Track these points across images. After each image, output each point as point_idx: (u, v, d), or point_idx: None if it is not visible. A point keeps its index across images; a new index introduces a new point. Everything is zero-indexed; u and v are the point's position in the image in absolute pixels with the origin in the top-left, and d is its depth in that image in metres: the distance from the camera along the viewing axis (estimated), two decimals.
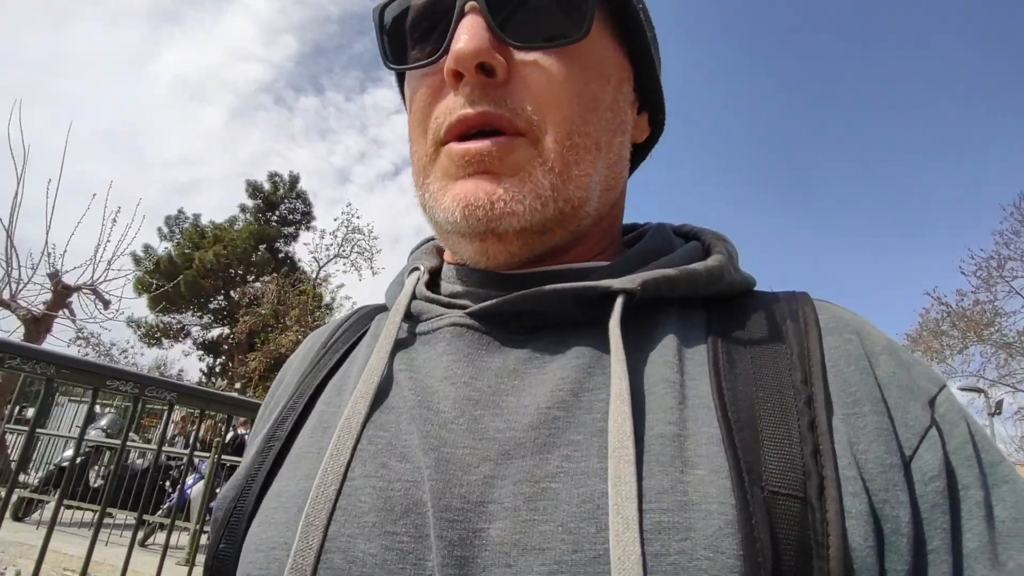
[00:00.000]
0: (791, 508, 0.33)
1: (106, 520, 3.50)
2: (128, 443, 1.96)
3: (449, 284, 0.51)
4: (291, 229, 21.95)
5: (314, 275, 20.47)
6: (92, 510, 6.15)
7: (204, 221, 20.96)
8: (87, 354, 17.28)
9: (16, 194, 8.00)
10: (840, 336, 0.41)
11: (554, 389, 0.39)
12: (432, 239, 0.59)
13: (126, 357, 20.71)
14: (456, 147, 0.43)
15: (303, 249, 23.46)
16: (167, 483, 6.97)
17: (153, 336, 20.52)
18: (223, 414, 2.44)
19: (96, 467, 6.92)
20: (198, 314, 20.76)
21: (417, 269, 0.53)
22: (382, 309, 0.56)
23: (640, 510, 0.33)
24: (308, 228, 22.01)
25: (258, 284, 19.06)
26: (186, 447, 7.75)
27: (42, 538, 1.76)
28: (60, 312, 8.26)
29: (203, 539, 3.23)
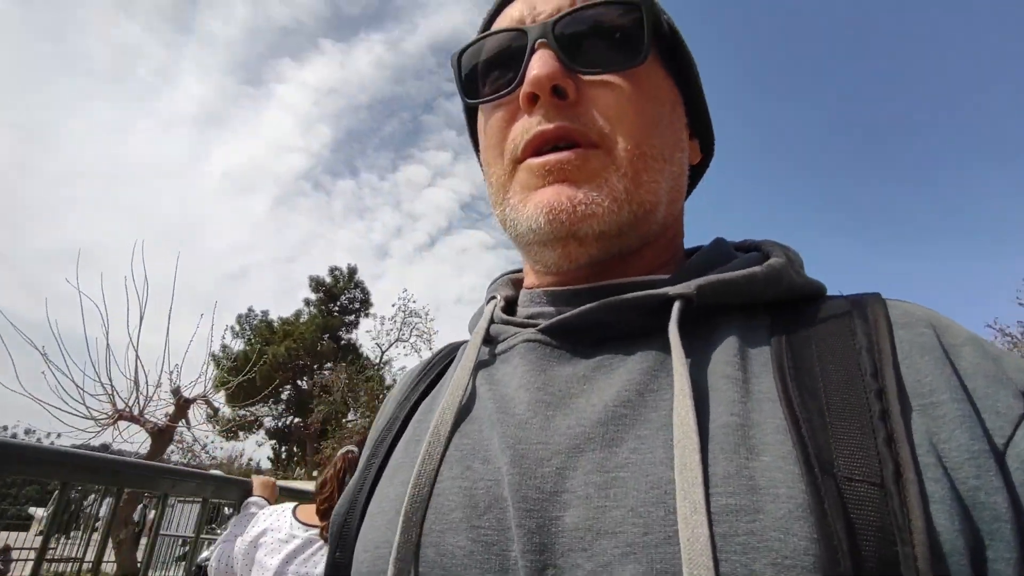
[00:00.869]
0: (867, 494, 0.32)
1: None
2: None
3: (524, 308, 0.54)
4: (351, 317, 23.34)
5: (377, 360, 21.53)
6: None
7: (266, 314, 22.53)
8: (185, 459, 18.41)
9: (140, 323, 9.25)
10: (912, 330, 0.40)
11: (620, 390, 0.41)
12: (507, 274, 0.63)
13: (206, 451, 21.91)
14: (535, 160, 0.47)
15: (364, 336, 24.76)
16: None
17: (231, 430, 21.69)
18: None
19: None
20: (270, 405, 21.94)
21: (495, 298, 0.57)
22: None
23: (707, 495, 0.33)
24: (367, 315, 23.35)
25: (327, 373, 20.14)
26: None
27: None
28: (179, 423, 9.31)
29: None
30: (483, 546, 0.38)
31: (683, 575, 0.31)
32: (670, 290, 0.43)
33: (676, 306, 0.43)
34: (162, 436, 9.03)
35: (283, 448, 22.49)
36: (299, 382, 21.55)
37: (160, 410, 9.34)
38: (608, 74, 0.47)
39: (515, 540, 0.36)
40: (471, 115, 0.60)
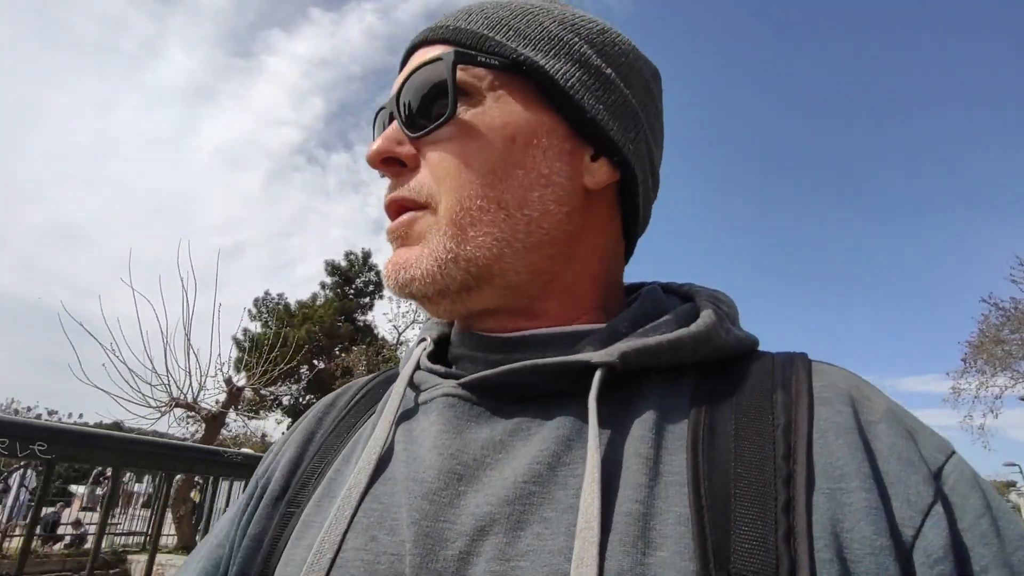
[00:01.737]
0: None
1: None
2: None
3: (454, 349, 0.54)
4: (366, 300, 24.05)
5: (394, 341, 22.29)
6: None
7: (282, 296, 23.22)
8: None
9: (190, 315, 9.93)
10: (832, 407, 0.40)
11: (532, 463, 0.40)
12: None
13: (228, 431, 22.82)
14: (388, 225, 0.50)
15: (380, 318, 25.40)
16: None
17: (253, 410, 22.55)
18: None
19: None
20: (288, 385, 22.76)
21: (424, 340, 0.56)
22: None
23: None
24: (381, 297, 24.06)
25: (348, 355, 20.91)
26: None
27: None
28: (231, 409, 10.07)
29: None
30: None
31: None
32: (593, 357, 0.43)
33: (597, 376, 0.42)
34: (215, 422, 9.79)
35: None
36: (316, 362, 22.32)
37: (211, 397, 10.11)
38: (431, 132, 0.47)
39: None
40: None
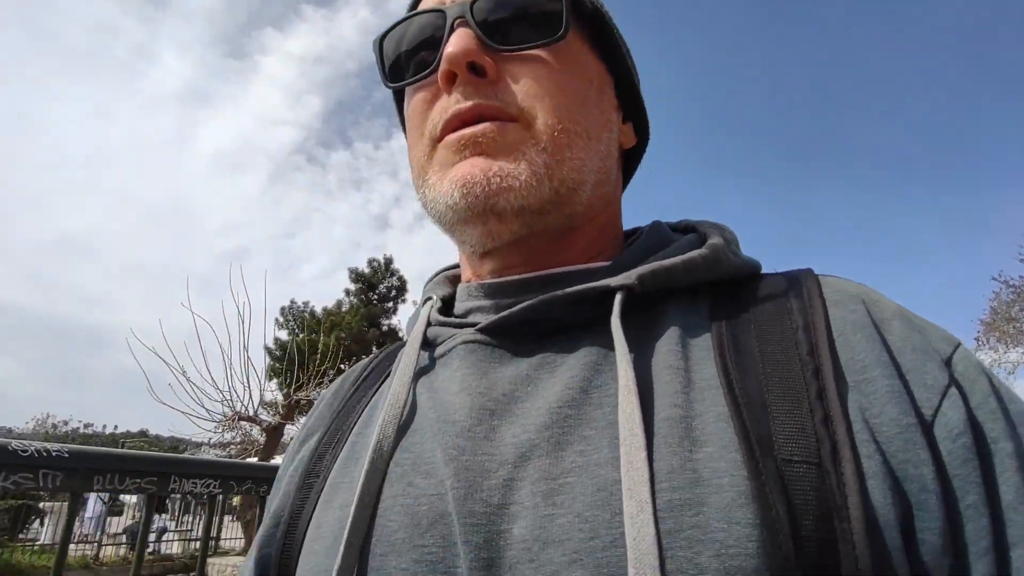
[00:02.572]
0: (806, 473, 0.33)
1: None
2: None
3: (461, 303, 0.53)
4: (390, 304, 24.73)
5: None
6: None
7: (307, 304, 23.92)
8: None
9: (247, 335, 10.60)
10: (845, 307, 0.42)
11: (564, 388, 0.40)
12: (444, 271, 0.63)
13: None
14: (451, 136, 0.46)
15: (404, 322, 26.03)
16: None
17: (287, 416, 23.33)
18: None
19: None
20: (317, 391, 23.48)
21: (431, 299, 0.56)
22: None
23: (652, 492, 0.33)
24: (404, 301, 24.73)
25: None
26: None
27: None
28: (289, 421, 10.77)
29: None
30: (427, 565, 0.37)
31: None
32: (611, 281, 0.43)
33: (618, 298, 0.42)
34: (275, 433, 10.48)
35: None
36: (343, 366, 23.01)
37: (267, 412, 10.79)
38: (528, 50, 0.47)
39: (461, 556, 0.36)
40: (400, 102, 0.59)
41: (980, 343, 17.42)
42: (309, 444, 0.53)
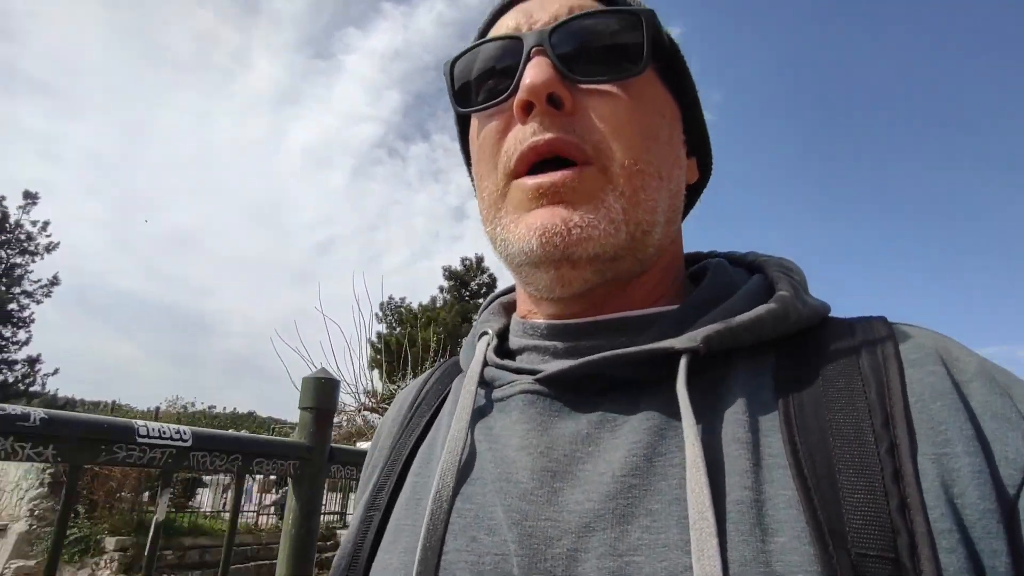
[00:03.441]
0: (882, 571, 0.31)
1: None
2: None
3: (516, 338, 0.53)
4: (481, 301, 25.66)
5: None
6: None
7: (404, 300, 25.34)
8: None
9: (367, 335, 11.65)
10: (923, 368, 0.39)
11: (627, 455, 0.39)
12: (498, 296, 0.62)
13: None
14: (529, 180, 0.45)
15: None
16: None
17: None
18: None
19: None
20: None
21: (486, 334, 0.55)
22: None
23: None
24: None
25: None
26: None
27: None
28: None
29: None
30: None
31: None
32: (676, 343, 0.42)
33: (683, 363, 0.41)
34: None
35: None
36: (440, 360, 24.16)
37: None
38: (606, 84, 0.46)
39: None
40: (463, 128, 0.58)
41: None
42: (373, 478, 0.54)
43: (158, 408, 19.31)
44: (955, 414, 0.36)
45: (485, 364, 0.51)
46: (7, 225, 18.34)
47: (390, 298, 25.82)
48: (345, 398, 11.61)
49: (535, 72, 0.44)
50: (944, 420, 0.36)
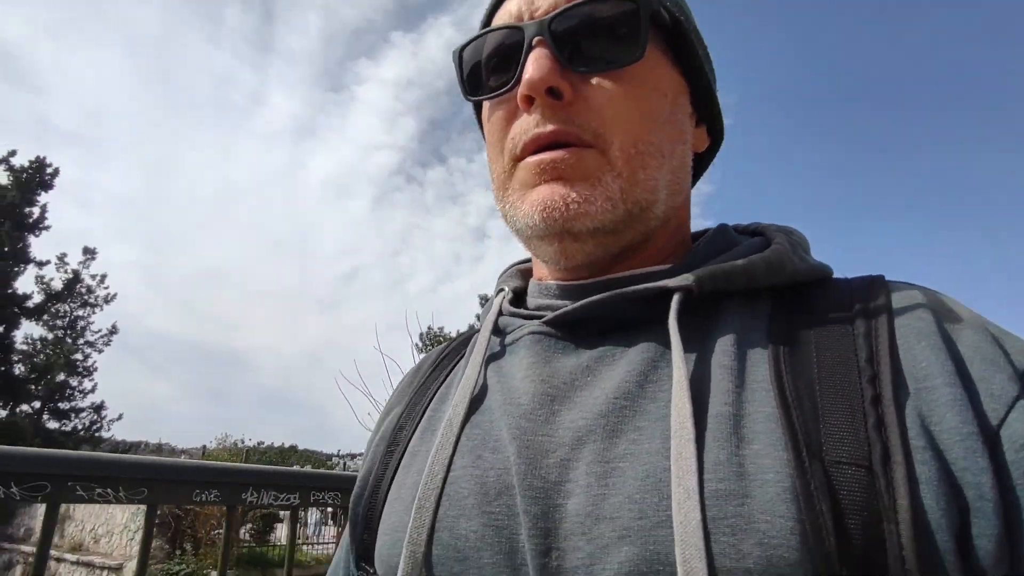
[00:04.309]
0: (854, 475, 0.33)
1: None
2: None
3: (532, 298, 0.56)
4: None
5: None
6: None
7: (442, 329, 25.84)
8: None
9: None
10: (912, 314, 0.41)
11: (621, 382, 0.43)
12: (516, 264, 0.66)
13: None
14: (531, 158, 0.48)
15: None
16: None
17: None
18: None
19: None
20: None
21: (503, 290, 0.60)
22: None
23: (700, 481, 0.35)
24: None
25: None
26: None
27: None
28: None
29: None
30: (494, 530, 0.41)
31: (675, 555, 0.33)
32: (670, 282, 0.45)
33: (675, 299, 0.44)
34: None
35: None
36: None
37: None
38: (605, 72, 0.48)
39: (522, 525, 0.39)
40: (478, 108, 0.61)
41: None
42: (390, 417, 0.58)
43: (204, 447, 19.99)
44: (937, 353, 0.38)
45: (500, 315, 0.56)
46: (77, 286, 19.53)
47: (429, 328, 26.36)
48: None
49: (534, 67, 0.47)
50: (926, 358, 0.38)
